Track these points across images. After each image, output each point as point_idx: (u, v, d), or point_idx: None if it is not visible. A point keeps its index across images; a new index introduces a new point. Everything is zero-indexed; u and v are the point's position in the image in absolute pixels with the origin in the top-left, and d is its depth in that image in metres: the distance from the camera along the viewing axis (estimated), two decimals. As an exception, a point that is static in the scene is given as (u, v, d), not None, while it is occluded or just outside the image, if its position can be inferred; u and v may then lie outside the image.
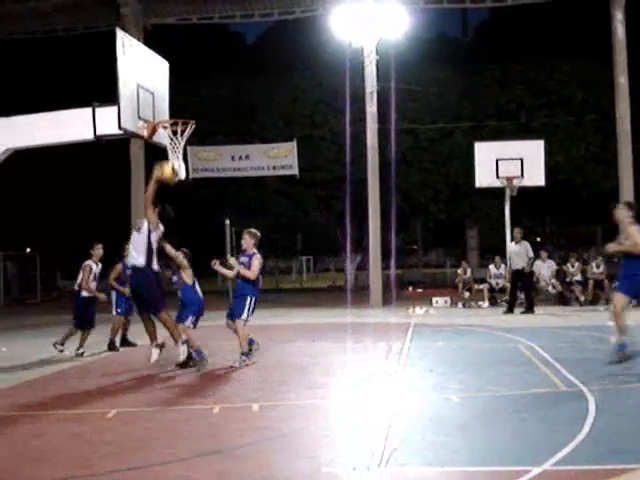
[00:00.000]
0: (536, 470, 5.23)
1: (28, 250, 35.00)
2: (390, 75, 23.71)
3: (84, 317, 12.52)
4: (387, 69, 23.54)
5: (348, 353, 12.30)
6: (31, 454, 6.21)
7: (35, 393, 9.14)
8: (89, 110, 10.58)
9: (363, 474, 5.40)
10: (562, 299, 21.15)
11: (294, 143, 26.42)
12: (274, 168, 26.65)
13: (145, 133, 10.94)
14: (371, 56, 22.74)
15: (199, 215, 33.09)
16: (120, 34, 10.56)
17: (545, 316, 17.79)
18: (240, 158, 26.66)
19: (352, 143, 23.93)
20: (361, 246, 32.46)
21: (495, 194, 24.47)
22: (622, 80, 24.28)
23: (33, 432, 6.97)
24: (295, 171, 26.43)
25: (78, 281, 12.55)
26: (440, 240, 52.19)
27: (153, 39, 20.67)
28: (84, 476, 5.53)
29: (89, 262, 12.49)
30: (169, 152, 11.06)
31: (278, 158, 26.43)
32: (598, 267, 21.04)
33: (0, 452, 6.30)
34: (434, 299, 22.36)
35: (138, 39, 15.44)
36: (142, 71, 10.90)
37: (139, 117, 10.68)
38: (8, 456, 6.18)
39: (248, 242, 10.90)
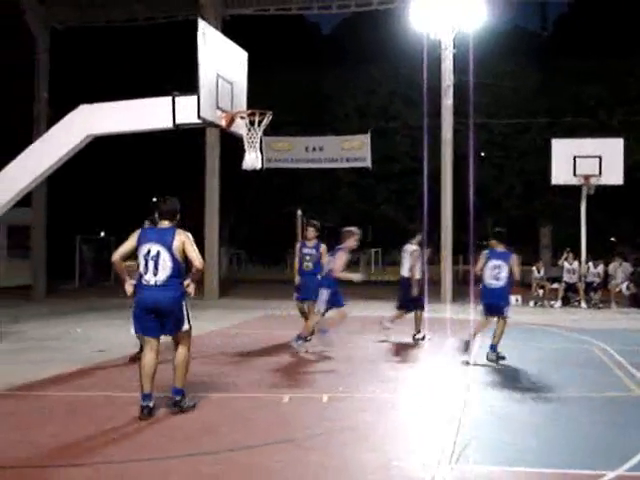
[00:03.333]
0: (610, 474, 5.15)
1: (103, 234, 35.70)
2: (465, 68, 23.40)
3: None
4: (464, 62, 23.25)
5: (418, 348, 12.26)
6: (104, 437, 6.37)
7: (110, 375, 9.34)
8: (169, 99, 10.73)
9: (433, 470, 5.39)
10: (636, 301, 20.64)
11: (368, 135, 26.34)
12: (347, 160, 26.63)
13: (223, 123, 11.04)
14: (448, 49, 22.53)
15: (271, 204, 33.34)
16: (201, 24, 10.67)
17: (619, 318, 17.41)
18: (314, 149, 26.69)
19: (426, 137, 23.75)
20: (432, 240, 32.23)
21: (571, 192, 24.00)
22: None
23: (106, 415, 7.12)
24: (368, 164, 26.37)
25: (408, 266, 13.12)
26: (512, 237, 51.34)
27: (231, 29, 20.78)
28: (157, 459, 5.65)
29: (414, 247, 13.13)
30: (245, 142, 11.15)
31: (352, 150, 26.39)
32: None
33: (78, 432, 6.46)
34: (505, 297, 21.93)
35: (217, 29, 15.58)
36: (222, 61, 10.99)
37: (218, 107, 10.79)
38: (73, 437, 6.34)
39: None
